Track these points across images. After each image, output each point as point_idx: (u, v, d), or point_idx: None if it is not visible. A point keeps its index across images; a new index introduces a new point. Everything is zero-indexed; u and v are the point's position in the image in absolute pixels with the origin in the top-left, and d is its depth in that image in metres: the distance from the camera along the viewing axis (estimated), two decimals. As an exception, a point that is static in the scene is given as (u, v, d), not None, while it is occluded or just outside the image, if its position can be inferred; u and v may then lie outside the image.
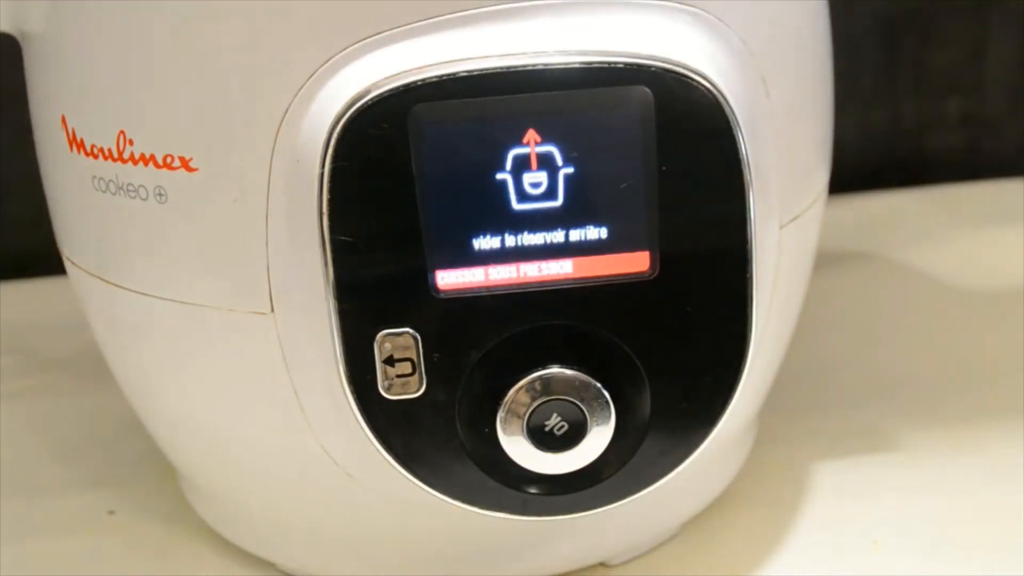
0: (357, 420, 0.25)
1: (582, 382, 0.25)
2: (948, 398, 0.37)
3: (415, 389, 0.24)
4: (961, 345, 0.41)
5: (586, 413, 0.25)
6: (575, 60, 0.23)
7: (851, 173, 0.51)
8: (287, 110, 0.23)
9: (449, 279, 0.24)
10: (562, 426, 0.25)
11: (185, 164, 0.24)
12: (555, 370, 0.24)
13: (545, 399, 0.25)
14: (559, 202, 0.23)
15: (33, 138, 0.28)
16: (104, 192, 0.25)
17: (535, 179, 0.23)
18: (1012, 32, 0.55)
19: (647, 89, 0.23)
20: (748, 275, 0.24)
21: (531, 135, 0.23)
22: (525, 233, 0.24)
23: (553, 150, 0.23)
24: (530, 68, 0.22)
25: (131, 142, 0.24)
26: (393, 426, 0.25)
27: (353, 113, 0.22)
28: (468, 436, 0.25)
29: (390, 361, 0.24)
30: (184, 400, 0.28)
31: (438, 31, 0.23)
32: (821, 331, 0.42)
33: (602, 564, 0.31)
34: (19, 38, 0.28)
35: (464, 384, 0.24)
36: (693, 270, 0.24)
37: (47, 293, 0.49)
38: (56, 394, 0.42)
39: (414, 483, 0.25)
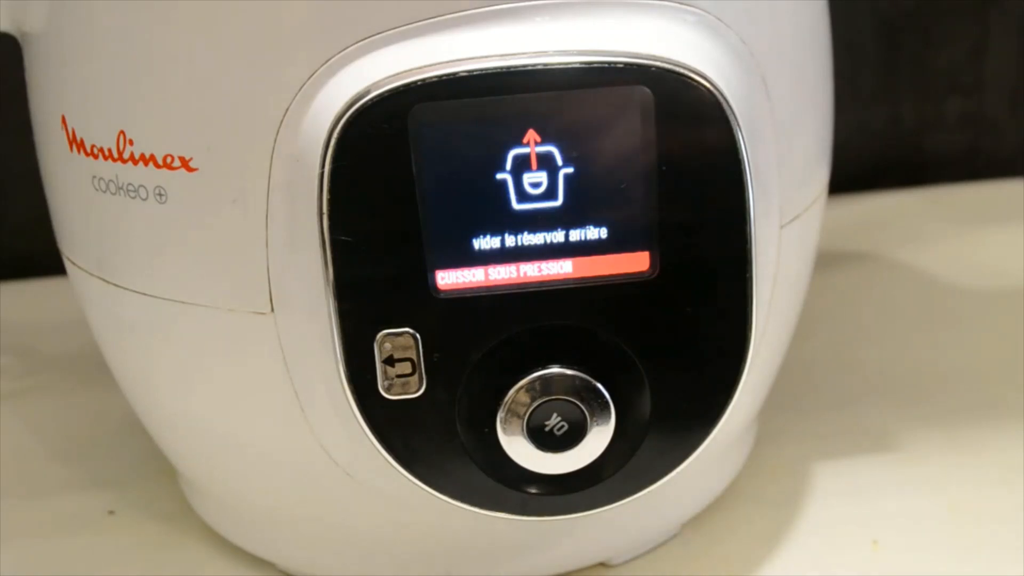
0: (357, 420, 0.25)
1: (582, 382, 0.25)
2: (948, 398, 0.37)
3: (415, 389, 0.24)
4: (961, 345, 0.41)
5: (586, 413, 0.25)
6: (575, 60, 0.23)
7: (851, 173, 0.51)
8: (287, 110, 0.23)
9: (449, 279, 0.24)
10: (562, 426, 0.25)
11: (185, 164, 0.24)
12: (555, 370, 0.24)
13: (545, 399, 0.25)
14: (559, 202, 0.23)
15: (33, 138, 0.28)
16: (104, 192, 0.25)
17: (535, 179, 0.23)
18: (1012, 32, 0.55)
19: (647, 89, 0.23)
20: (748, 275, 0.24)
21: (531, 135, 0.23)
22: (525, 233, 0.24)
23: (553, 150, 0.23)
24: (530, 68, 0.22)
25: (131, 142, 0.24)
26: (393, 426, 0.25)
27: (353, 113, 0.22)
28: (468, 436, 0.25)
29: (390, 361, 0.24)
30: (184, 400, 0.28)
31: (438, 31, 0.23)
32: (821, 331, 0.42)
33: (602, 564, 0.31)
34: (19, 38, 0.28)
35: (464, 384, 0.24)
36: (693, 270, 0.24)
37: (47, 293, 0.49)
38: (56, 394, 0.42)
39: (414, 483, 0.25)
